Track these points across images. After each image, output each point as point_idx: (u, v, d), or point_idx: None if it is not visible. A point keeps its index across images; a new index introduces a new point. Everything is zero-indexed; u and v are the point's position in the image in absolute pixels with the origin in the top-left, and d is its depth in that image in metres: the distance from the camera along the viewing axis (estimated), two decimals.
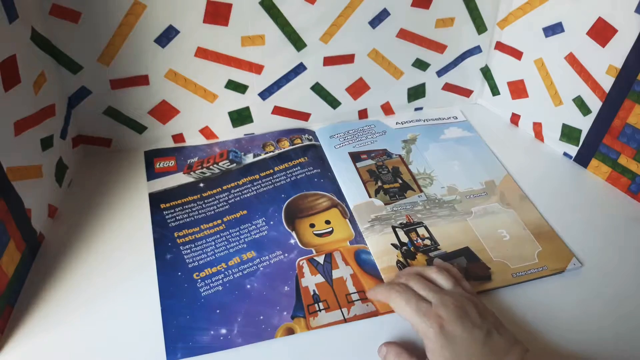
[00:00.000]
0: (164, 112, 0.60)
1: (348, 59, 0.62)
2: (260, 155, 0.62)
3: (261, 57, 0.59)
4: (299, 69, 0.61)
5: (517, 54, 0.64)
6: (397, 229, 0.52)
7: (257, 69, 0.59)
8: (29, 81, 0.48)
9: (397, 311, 0.41)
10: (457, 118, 0.70)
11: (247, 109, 0.63)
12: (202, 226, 0.52)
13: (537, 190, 0.57)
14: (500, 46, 0.66)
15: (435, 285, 0.42)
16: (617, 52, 0.52)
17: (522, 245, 0.51)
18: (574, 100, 0.59)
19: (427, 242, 0.51)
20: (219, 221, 0.53)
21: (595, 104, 0.57)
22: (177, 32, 0.54)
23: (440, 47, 0.65)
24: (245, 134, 0.65)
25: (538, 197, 0.56)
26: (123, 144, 0.62)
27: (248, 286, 0.47)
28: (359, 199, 0.56)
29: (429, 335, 0.37)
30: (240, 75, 0.59)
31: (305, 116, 0.66)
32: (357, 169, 0.61)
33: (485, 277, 0.47)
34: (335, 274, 0.48)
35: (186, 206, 0.55)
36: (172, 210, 0.54)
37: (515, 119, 0.69)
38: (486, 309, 0.40)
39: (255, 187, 0.57)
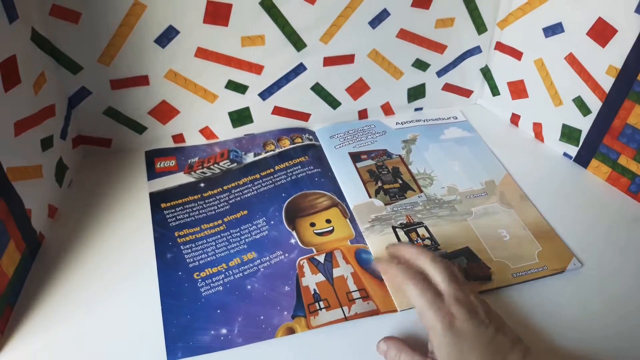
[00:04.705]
0: (164, 112, 0.60)
1: (348, 59, 0.62)
2: (260, 154, 0.62)
3: (261, 57, 0.59)
4: (299, 69, 0.61)
5: (517, 54, 0.64)
6: (397, 229, 0.52)
7: (257, 69, 0.60)
8: (29, 81, 0.48)
9: (409, 297, 0.40)
10: (457, 118, 0.70)
11: (247, 109, 0.63)
12: (202, 226, 0.52)
13: (537, 190, 0.57)
14: (500, 46, 0.66)
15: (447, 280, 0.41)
16: (617, 52, 0.52)
17: (522, 245, 0.51)
18: (574, 100, 0.59)
19: (428, 242, 0.51)
20: (220, 221, 0.53)
21: (595, 104, 0.57)
22: (177, 32, 0.54)
23: (440, 47, 0.65)
24: (245, 135, 0.65)
25: (538, 197, 0.56)
26: (123, 144, 0.62)
27: (249, 287, 0.47)
28: (359, 199, 0.56)
29: (437, 330, 0.37)
30: (240, 76, 0.59)
31: (305, 116, 0.66)
32: (357, 169, 0.60)
33: (485, 277, 0.47)
34: (336, 272, 0.48)
35: (187, 206, 0.55)
36: (173, 210, 0.54)
37: (515, 119, 0.69)
38: (492, 309, 0.40)
39: (256, 187, 0.57)
